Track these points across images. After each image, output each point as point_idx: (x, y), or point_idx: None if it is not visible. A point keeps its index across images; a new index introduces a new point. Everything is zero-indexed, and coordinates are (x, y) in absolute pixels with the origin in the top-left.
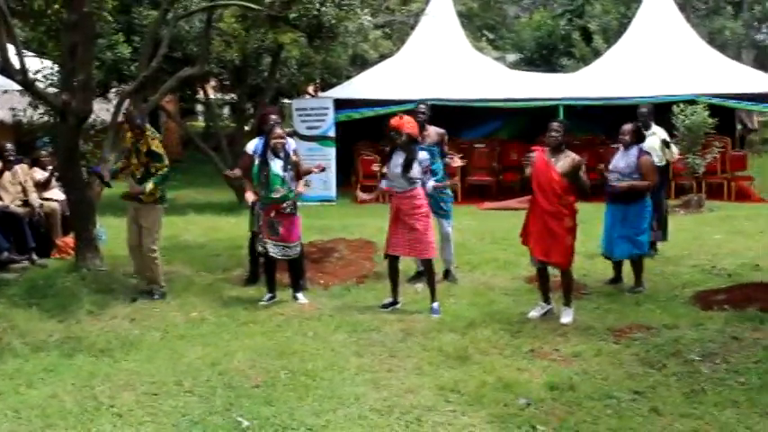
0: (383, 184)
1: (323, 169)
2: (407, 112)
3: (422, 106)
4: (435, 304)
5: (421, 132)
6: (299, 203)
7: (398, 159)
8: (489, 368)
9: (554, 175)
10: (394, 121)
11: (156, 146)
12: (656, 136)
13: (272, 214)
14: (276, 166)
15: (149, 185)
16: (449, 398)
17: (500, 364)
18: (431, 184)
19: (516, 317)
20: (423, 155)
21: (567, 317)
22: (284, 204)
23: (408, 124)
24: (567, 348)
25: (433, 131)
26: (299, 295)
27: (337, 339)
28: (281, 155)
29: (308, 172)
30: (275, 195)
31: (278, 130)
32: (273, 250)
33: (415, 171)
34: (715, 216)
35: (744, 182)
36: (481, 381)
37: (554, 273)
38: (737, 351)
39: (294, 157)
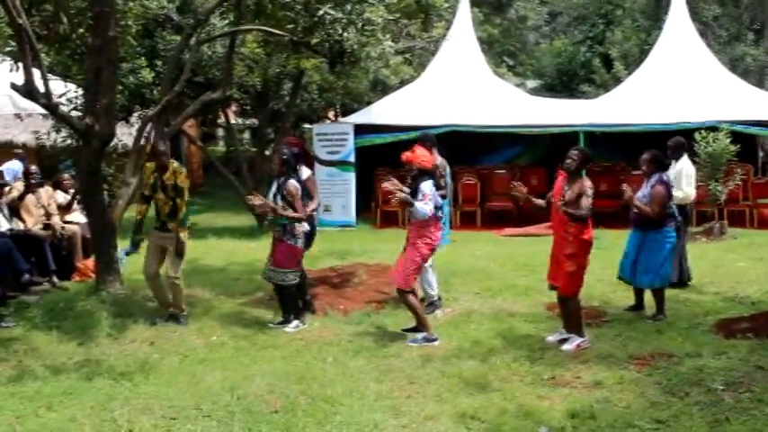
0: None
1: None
2: (410, 143)
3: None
4: (415, 336)
5: None
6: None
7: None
8: (509, 395)
9: (560, 202)
10: (404, 156)
11: (182, 180)
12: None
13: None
14: (272, 190)
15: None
16: (469, 425)
17: (520, 391)
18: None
19: (537, 343)
20: (425, 186)
21: (567, 344)
22: (276, 228)
23: (420, 158)
24: (588, 376)
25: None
26: (288, 326)
27: (357, 365)
28: (277, 181)
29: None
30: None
31: (276, 156)
32: (267, 274)
33: (416, 202)
34: (737, 243)
35: (766, 209)
36: (501, 408)
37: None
38: (762, 380)
39: (291, 189)
